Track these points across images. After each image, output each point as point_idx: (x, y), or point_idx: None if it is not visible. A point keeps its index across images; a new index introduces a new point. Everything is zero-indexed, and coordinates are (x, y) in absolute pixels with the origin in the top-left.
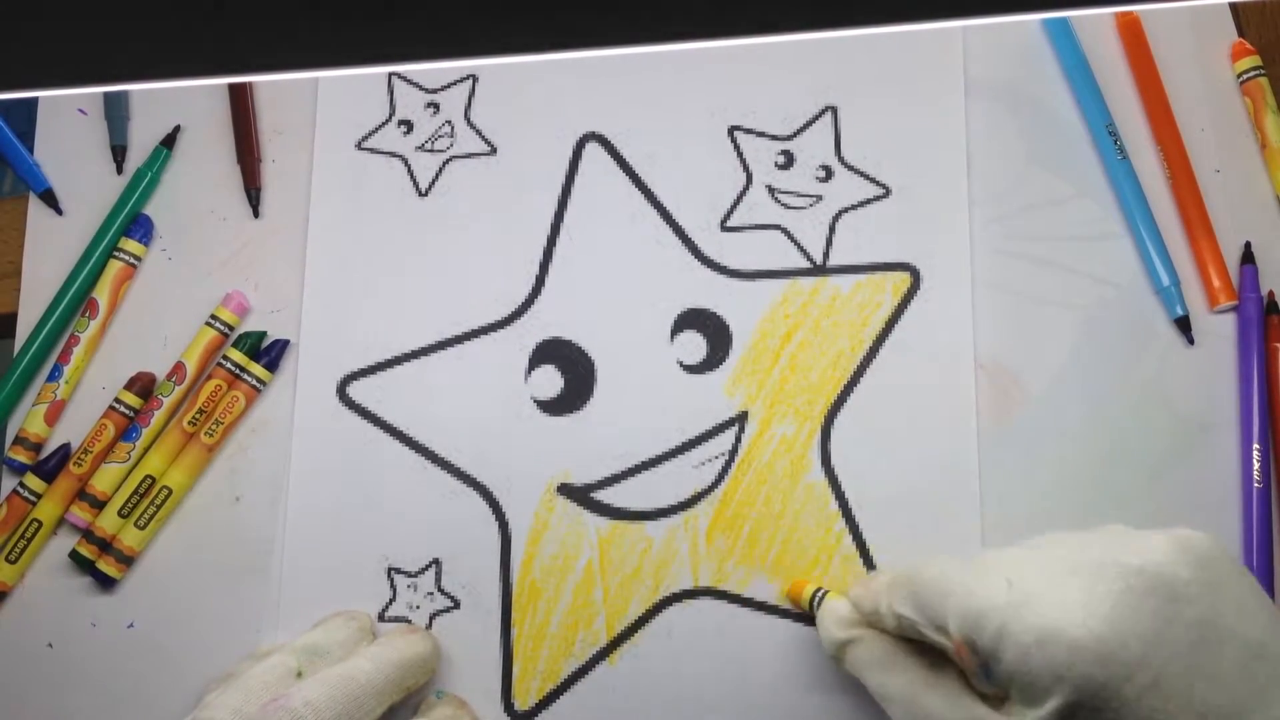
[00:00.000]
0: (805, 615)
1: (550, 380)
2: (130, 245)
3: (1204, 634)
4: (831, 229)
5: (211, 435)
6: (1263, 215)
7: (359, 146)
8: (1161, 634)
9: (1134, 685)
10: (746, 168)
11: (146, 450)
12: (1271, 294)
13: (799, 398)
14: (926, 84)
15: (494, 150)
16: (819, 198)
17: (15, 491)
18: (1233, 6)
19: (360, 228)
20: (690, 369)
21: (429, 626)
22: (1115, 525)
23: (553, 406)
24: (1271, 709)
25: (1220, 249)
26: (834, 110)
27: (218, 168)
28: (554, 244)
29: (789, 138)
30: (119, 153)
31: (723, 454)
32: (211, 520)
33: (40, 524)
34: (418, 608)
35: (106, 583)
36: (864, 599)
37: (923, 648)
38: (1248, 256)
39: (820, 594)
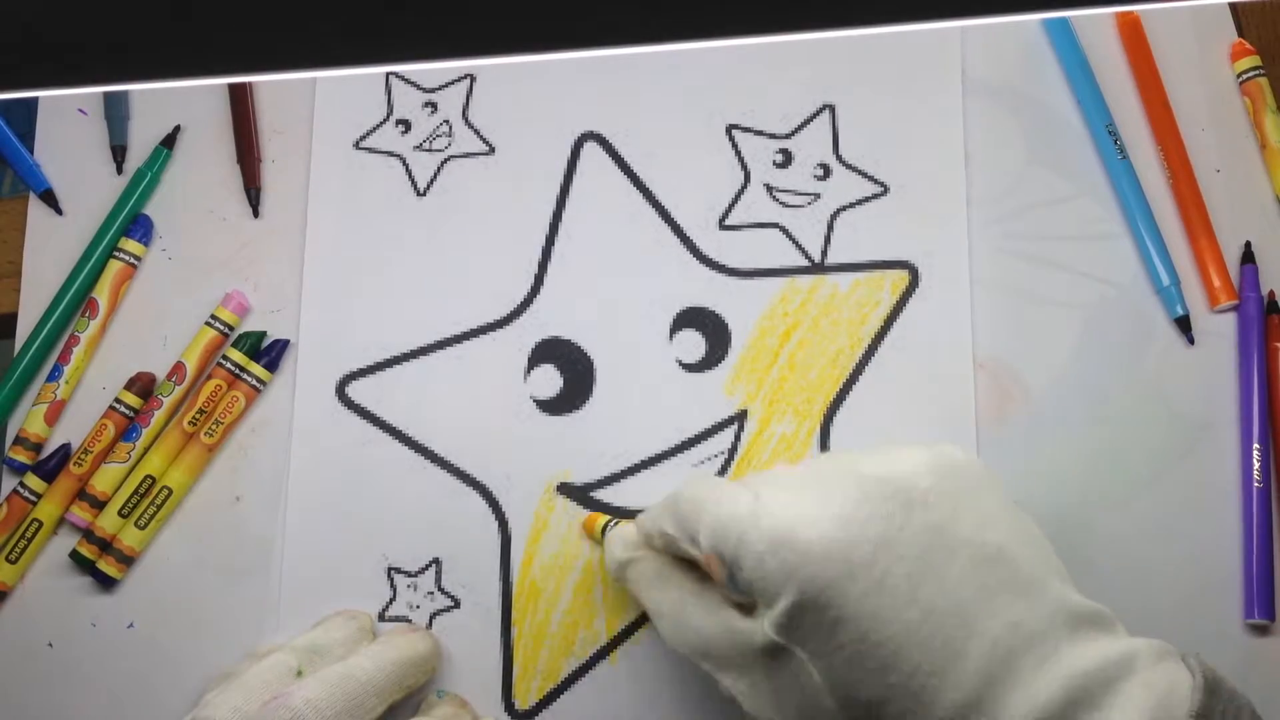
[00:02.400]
0: None
1: (549, 380)
2: (130, 245)
3: (937, 539)
4: (830, 227)
5: (211, 435)
6: (1263, 215)
7: (357, 146)
8: (891, 537)
9: (858, 585)
10: (745, 166)
11: (146, 450)
12: (1272, 293)
13: (798, 396)
14: (924, 82)
15: (492, 150)
16: (817, 196)
17: (15, 491)
18: (1233, 6)
19: (358, 228)
20: (689, 368)
21: (429, 626)
22: (885, 441)
23: (552, 406)
24: (999, 612)
25: (1220, 248)
26: (832, 109)
27: (218, 168)
28: (552, 243)
29: (787, 136)
30: (119, 153)
31: (722, 453)
32: (211, 520)
33: (40, 524)
34: (418, 607)
35: (106, 583)
36: (644, 522)
37: (690, 565)
38: (1248, 256)
39: (613, 522)
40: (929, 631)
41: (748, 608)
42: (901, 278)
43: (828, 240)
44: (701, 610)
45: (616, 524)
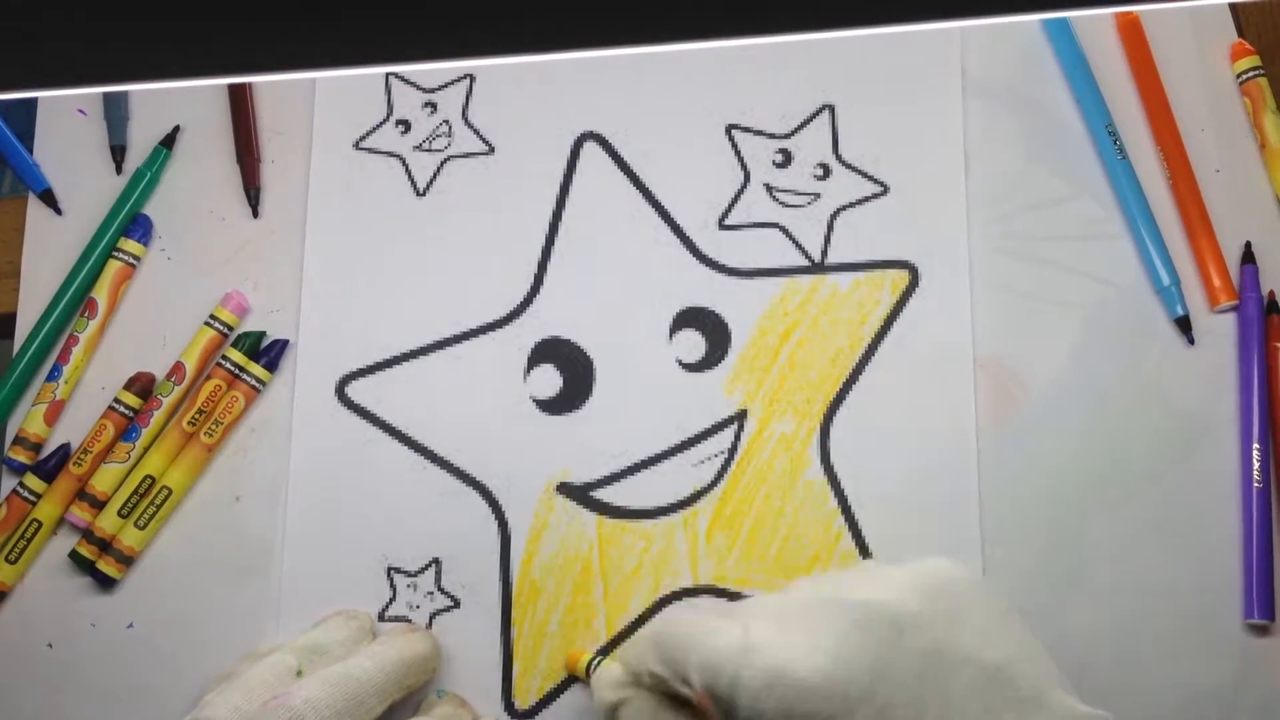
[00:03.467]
0: None
1: (549, 379)
2: (130, 245)
3: (934, 662)
4: (830, 227)
5: (211, 435)
6: (1263, 215)
7: (357, 146)
8: (887, 665)
9: (860, 717)
10: (744, 166)
11: (146, 450)
12: (1272, 293)
13: (798, 396)
14: (924, 82)
15: (492, 150)
16: (817, 196)
17: (15, 491)
18: (1233, 6)
19: (358, 228)
20: (689, 367)
21: (429, 626)
22: (866, 561)
23: (552, 405)
24: None
25: (1220, 248)
26: (831, 108)
27: (217, 168)
28: (552, 243)
29: (787, 136)
30: (118, 153)
31: (722, 452)
32: (211, 520)
33: (40, 524)
34: (418, 607)
35: (106, 583)
36: (629, 659)
37: (684, 702)
38: (1248, 256)
39: (596, 661)
40: None
41: None
42: (901, 277)
43: (828, 240)
44: None
45: (600, 662)
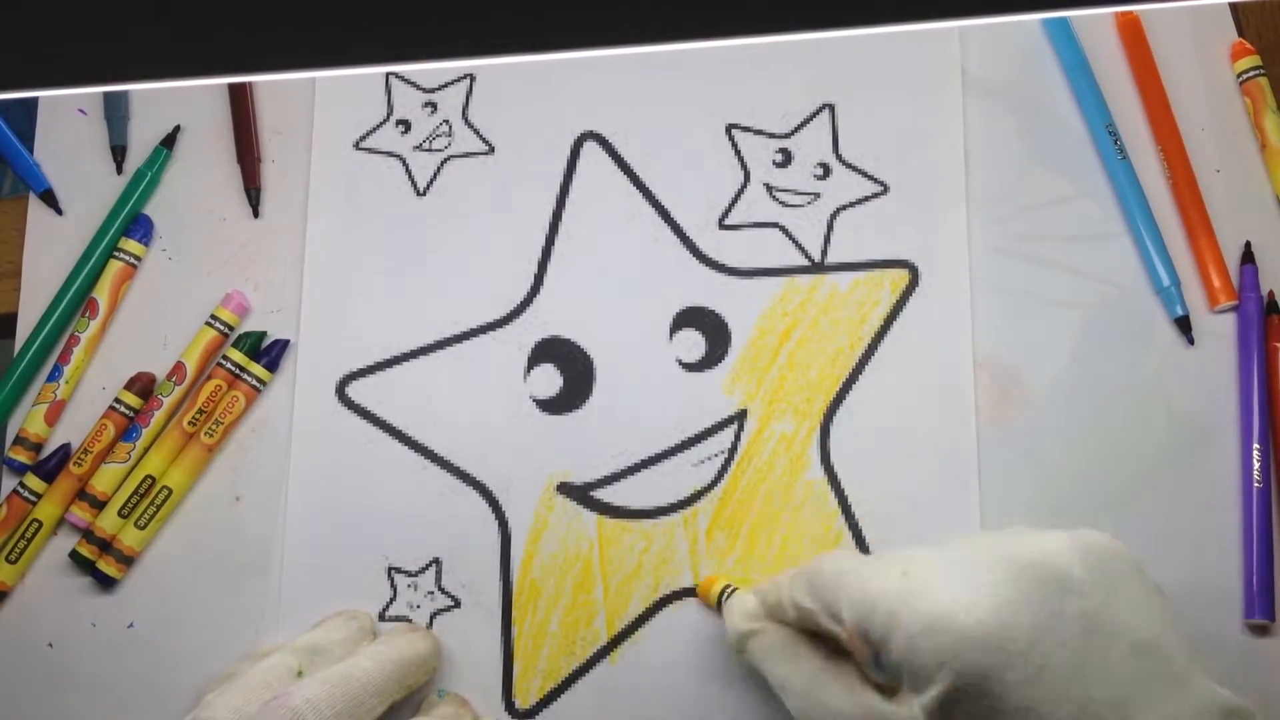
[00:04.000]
0: None
1: (549, 379)
2: (130, 245)
3: (1091, 628)
4: (829, 227)
5: (211, 435)
6: (1263, 215)
7: (357, 146)
8: (1048, 626)
9: (1016, 674)
10: (744, 166)
11: (146, 450)
12: (1272, 294)
13: (798, 395)
14: (923, 81)
15: (492, 149)
16: (817, 195)
17: (15, 491)
18: (1233, 6)
19: (358, 228)
20: (689, 367)
21: (429, 626)
22: (1019, 526)
23: (552, 405)
24: (1155, 704)
25: (1220, 249)
26: (831, 108)
27: (218, 168)
28: (552, 243)
29: (787, 136)
30: (119, 153)
31: (722, 452)
32: (211, 520)
33: (40, 524)
34: (418, 607)
35: (106, 583)
36: (768, 591)
37: (822, 640)
38: (1248, 256)
39: (729, 589)
40: None
41: (888, 689)
42: (901, 277)
43: (827, 239)
44: (837, 688)
45: (734, 591)
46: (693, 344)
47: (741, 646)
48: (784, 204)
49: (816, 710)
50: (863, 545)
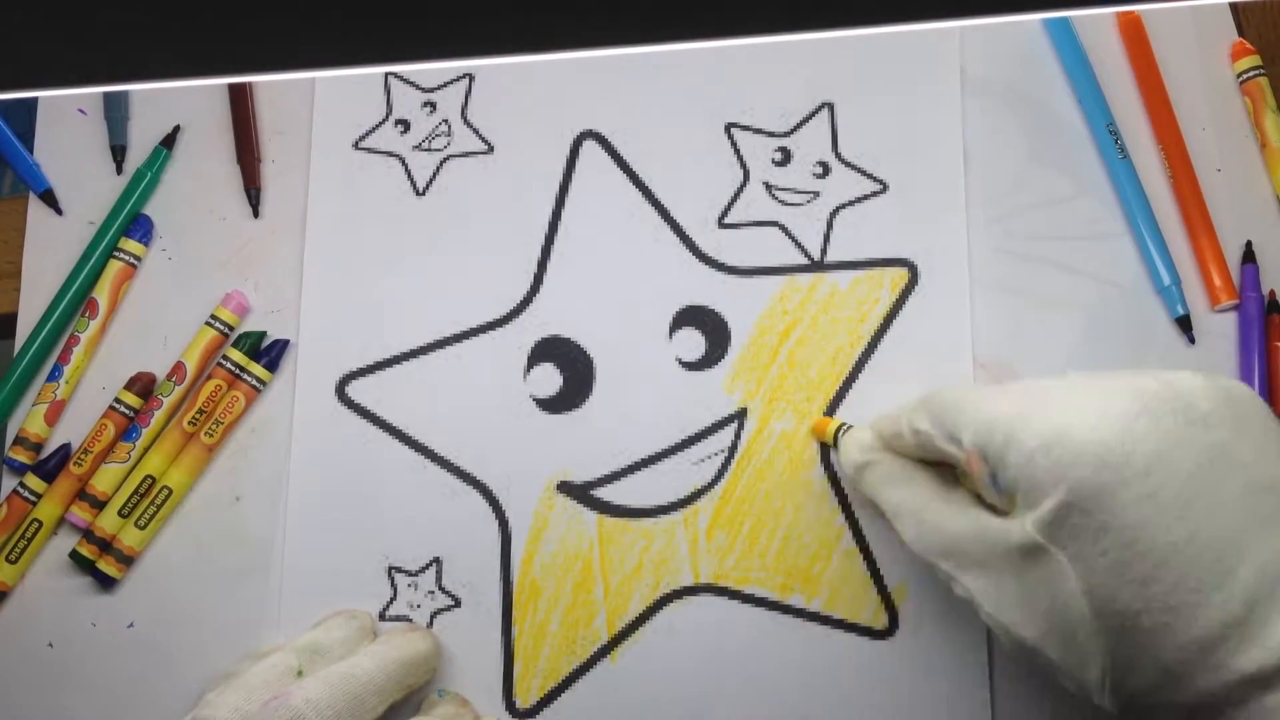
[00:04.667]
0: (807, 611)
1: (549, 378)
2: (130, 245)
3: (1214, 459)
4: (829, 225)
5: (211, 435)
6: (1263, 215)
7: (356, 146)
8: (1169, 452)
9: (1130, 493)
10: (744, 164)
11: (146, 450)
12: (1273, 293)
13: (798, 394)
14: (923, 80)
15: (491, 149)
16: (816, 194)
17: (15, 491)
18: (1233, 6)
19: (358, 228)
20: (689, 366)
21: (430, 625)
22: (1151, 367)
23: (552, 404)
24: (1271, 539)
25: (1221, 248)
26: (831, 107)
27: (218, 168)
28: (552, 242)
29: (786, 134)
30: (119, 153)
31: (722, 451)
32: (211, 520)
33: (40, 524)
34: (418, 607)
35: (106, 583)
36: (885, 422)
37: (935, 468)
38: (1249, 255)
39: (845, 427)
40: (1197, 550)
41: (1001, 511)
42: (901, 275)
43: (827, 238)
44: (948, 509)
45: (850, 429)
46: (693, 343)
47: (858, 478)
48: (783, 203)
49: (931, 533)
50: (863, 544)
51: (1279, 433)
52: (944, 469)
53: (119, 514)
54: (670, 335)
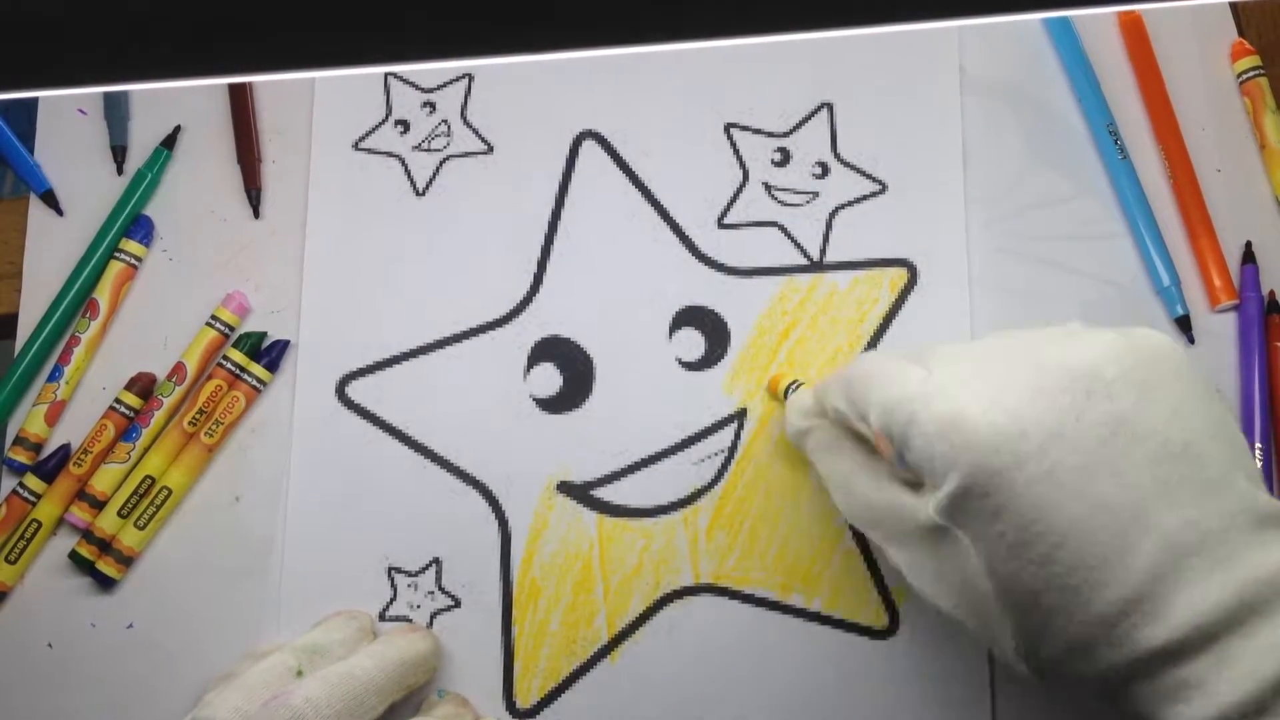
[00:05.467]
0: (808, 611)
1: (549, 378)
2: (131, 246)
3: (1117, 430)
4: (828, 225)
5: (211, 435)
6: (1263, 215)
7: (356, 147)
8: (1065, 429)
9: (1025, 474)
10: (743, 165)
11: (146, 450)
12: (1272, 293)
13: None
14: (922, 80)
15: (490, 149)
16: (816, 194)
17: (15, 492)
18: (1233, 6)
19: (358, 228)
20: (689, 366)
21: (430, 625)
22: (1072, 323)
23: (552, 404)
24: (1176, 509)
25: (1221, 248)
26: (830, 107)
27: (218, 168)
28: (551, 242)
29: (785, 135)
30: (119, 153)
31: (722, 451)
32: (211, 520)
33: (40, 524)
34: (418, 607)
35: (106, 583)
36: (819, 391)
37: (863, 436)
38: (1249, 256)
39: (795, 385)
40: (1096, 526)
41: (916, 484)
42: (900, 275)
43: (826, 238)
44: (871, 483)
45: (799, 387)
46: (692, 343)
47: (799, 442)
48: (783, 203)
49: (858, 504)
50: (863, 543)
51: (1199, 386)
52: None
53: (118, 514)
54: (670, 335)
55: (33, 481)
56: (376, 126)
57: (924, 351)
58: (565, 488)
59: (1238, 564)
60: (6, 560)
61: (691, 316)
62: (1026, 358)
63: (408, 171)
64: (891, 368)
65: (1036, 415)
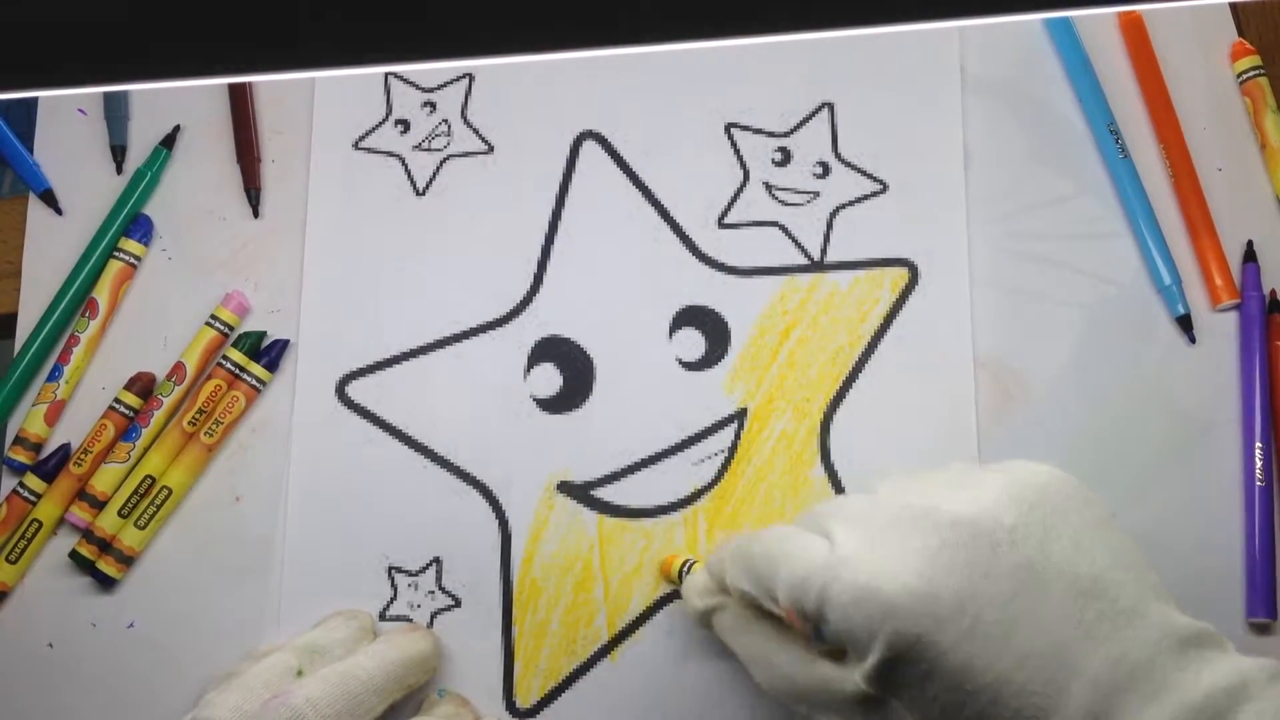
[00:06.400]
0: None
1: (549, 378)
2: (130, 245)
3: (1027, 578)
4: (829, 225)
5: (211, 435)
6: (1264, 214)
7: (356, 146)
8: (977, 584)
9: (948, 636)
10: (744, 164)
11: (146, 450)
12: (1274, 292)
13: (798, 394)
14: (922, 80)
15: (491, 149)
16: (816, 194)
17: (15, 491)
18: (1233, 6)
19: (358, 228)
20: (689, 366)
21: (430, 625)
22: (956, 463)
23: (552, 404)
24: (1099, 648)
25: (1222, 247)
26: (830, 106)
27: (218, 168)
28: (552, 242)
29: (786, 134)
30: (119, 153)
31: (722, 451)
32: (211, 520)
33: (40, 524)
34: (419, 606)
35: (106, 583)
36: (714, 568)
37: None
38: (1250, 255)
39: (688, 564)
40: (1026, 676)
41: (837, 654)
42: (901, 275)
43: (827, 238)
44: (790, 659)
45: (693, 566)
46: (692, 343)
47: (702, 623)
48: (783, 203)
49: (780, 680)
50: None
51: (1092, 514)
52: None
53: (119, 514)
54: (670, 335)
55: (33, 481)
56: (377, 126)
57: (819, 518)
58: (565, 488)
59: (1169, 693)
60: (7, 560)
61: (692, 316)
62: (924, 516)
63: (408, 171)
64: (792, 543)
65: (947, 575)
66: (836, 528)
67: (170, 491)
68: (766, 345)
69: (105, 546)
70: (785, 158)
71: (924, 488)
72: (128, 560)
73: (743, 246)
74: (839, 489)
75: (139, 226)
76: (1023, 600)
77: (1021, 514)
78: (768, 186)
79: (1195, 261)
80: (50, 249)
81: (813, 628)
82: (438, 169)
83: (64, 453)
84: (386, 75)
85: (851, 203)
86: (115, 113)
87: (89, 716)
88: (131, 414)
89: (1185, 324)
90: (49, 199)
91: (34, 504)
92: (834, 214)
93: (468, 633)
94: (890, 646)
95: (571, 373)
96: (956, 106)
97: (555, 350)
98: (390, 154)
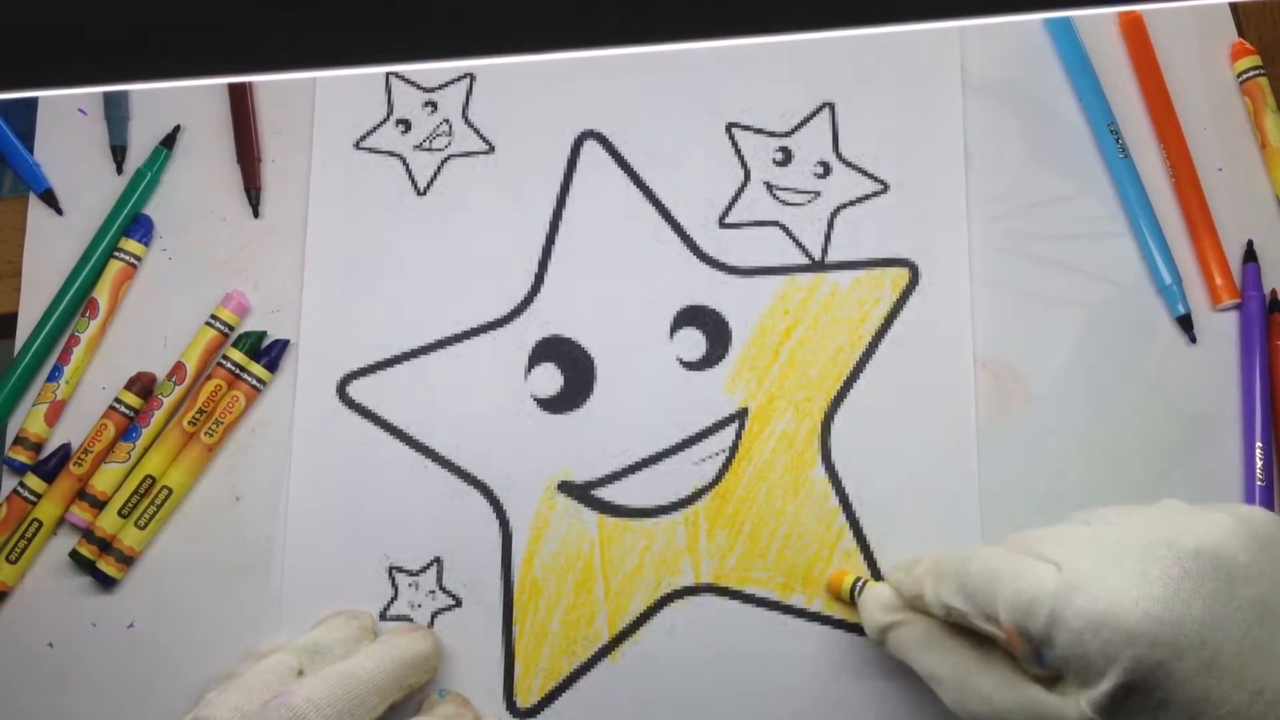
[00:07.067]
0: (808, 611)
1: (550, 378)
2: (130, 245)
3: (1261, 613)
4: (830, 225)
5: (211, 435)
6: (1264, 214)
7: (357, 146)
8: (1217, 616)
9: (1187, 666)
10: (745, 164)
11: (146, 450)
12: (1274, 292)
13: (799, 394)
14: (923, 80)
15: (492, 149)
16: (817, 194)
17: (15, 491)
18: (1233, 6)
19: (359, 227)
20: (690, 366)
21: (431, 625)
22: (1170, 501)
23: (553, 404)
24: None
25: (1222, 247)
26: (831, 106)
27: (218, 168)
28: (553, 242)
29: (787, 134)
30: (119, 153)
31: (723, 450)
32: (211, 520)
33: (40, 524)
34: (419, 606)
35: (106, 583)
36: (905, 585)
37: (967, 631)
38: (1250, 254)
39: (860, 582)
40: (1259, 711)
41: (1048, 680)
42: (902, 275)
43: (828, 238)
44: (992, 680)
45: (867, 584)
46: (693, 343)
47: (881, 639)
48: (784, 202)
49: (974, 701)
50: (863, 543)
51: None
52: (976, 634)
53: (119, 514)
54: (671, 335)
55: (33, 481)
56: (378, 126)
57: (1034, 543)
58: (566, 487)
59: None
60: (7, 560)
61: (693, 316)
62: (1160, 546)
63: (409, 171)
64: (1017, 564)
65: (1188, 604)
66: (1060, 553)
67: (170, 491)
68: (767, 345)
69: (105, 546)
70: (786, 158)
71: (1147, 520)
72: (128, 560)
73: (743, 246)
74: (839, 488)
75: (139, 226)
76: (1258, 634)
77: (1254, 553)
78: (769, 186)
79: (1195, 261)
80: (50, 249)
81: (1034, 650)
82: (439, 169)
83: (64, 453)
84: (387, 75)
85: (852, 202)
86: (115, 113)
87: (89, 716)
88: (132, 414)
89: (1186, 324)
90: (49, 199)
91: (34, 504)
92: (835, 214)
93: (468, 633)
94: (1128, 672)
95: (572, 372)
96: (957, 106)
97: (556, 350)
98: (391, 154)
